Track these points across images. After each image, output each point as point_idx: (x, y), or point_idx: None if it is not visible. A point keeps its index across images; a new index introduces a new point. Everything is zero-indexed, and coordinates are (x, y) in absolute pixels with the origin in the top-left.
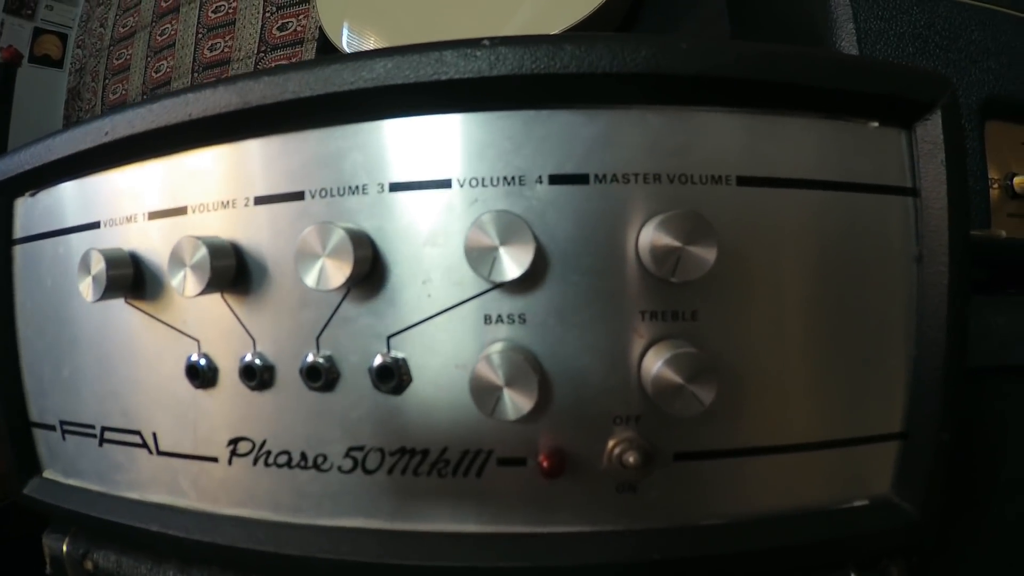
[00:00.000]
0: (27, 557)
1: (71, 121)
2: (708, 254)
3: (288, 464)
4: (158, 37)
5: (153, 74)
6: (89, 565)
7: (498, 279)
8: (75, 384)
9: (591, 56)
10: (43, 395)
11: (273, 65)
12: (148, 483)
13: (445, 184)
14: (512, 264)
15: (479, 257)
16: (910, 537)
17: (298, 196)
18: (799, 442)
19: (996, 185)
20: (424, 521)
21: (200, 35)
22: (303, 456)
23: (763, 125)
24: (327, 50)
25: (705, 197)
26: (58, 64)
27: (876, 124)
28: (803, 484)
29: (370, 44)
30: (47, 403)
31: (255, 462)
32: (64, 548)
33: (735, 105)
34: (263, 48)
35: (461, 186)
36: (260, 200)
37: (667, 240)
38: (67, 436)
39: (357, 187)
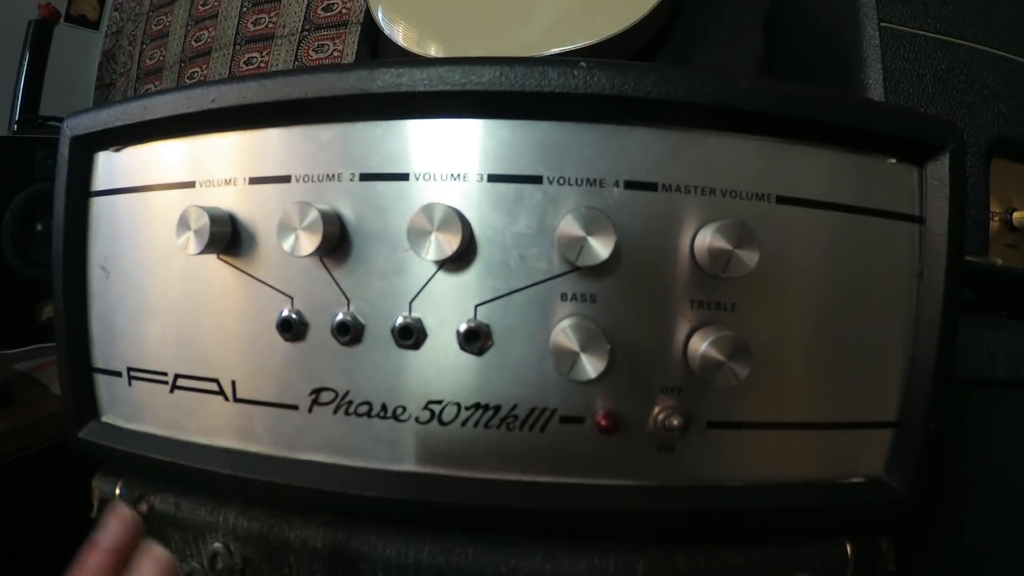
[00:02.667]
0: (65, 502)
1: (104, 83)
2: (752, 257)
3: (368, 414)
4: (200, 7)
5: (193, 43)
6: (144, 508)
7: (584, 263)
8: (149, 333)
9: (670, 85)
10: (111, 342)
11: (317, 45)
12: (219, 428)
13: (536, 180)
14: (599, 249)
15: (569, 243)
16: (898, 513)
17: (403, 177)
18: (809, 421)
19: (996, 217)
20: (489, 470)
21: (245, 8)
22: (383, 407)
23: (800, 154)
24: (371, 34)
25: (749, 211)
26: (94, 25)
27: (894, 160)
28: (810, 458)
29: (400, 31)
30: (114, 350)
31: (335, 411)
32: (117, 491)
33: (780, 136)
34: (307, 27)
35: (550, 183)
36: (366, 177)
37: (721, 243)
38: (133, 382)
39: (459, 175)
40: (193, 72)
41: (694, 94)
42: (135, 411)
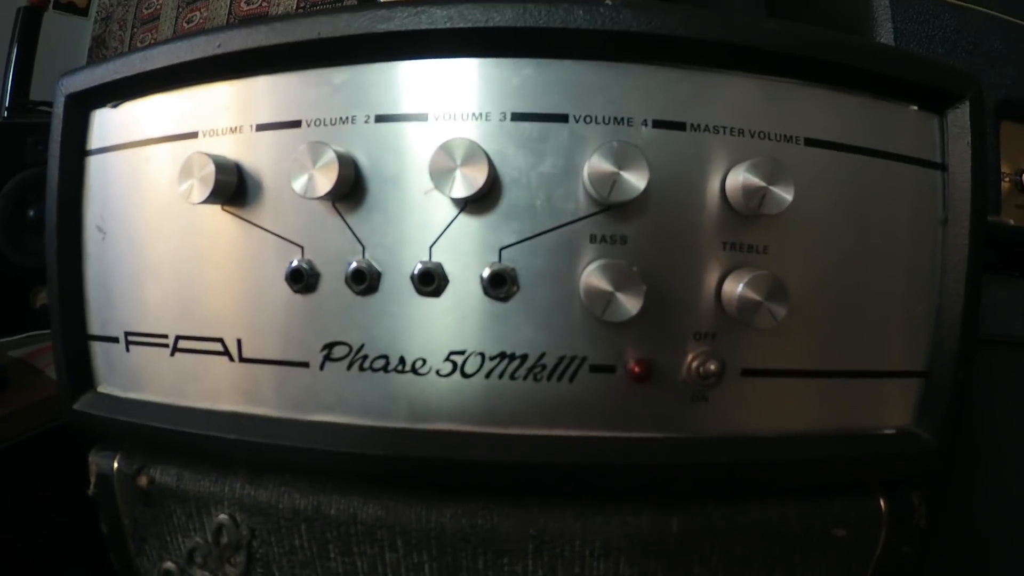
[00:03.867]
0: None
1: None
2: (787, 194)
3: (385, 368)
4: None
5: (185, 24)
6: (144, 481)
7: (617, 199)
8: (149, 294)
9: (697, 25)
10: (108, 307)
11: None
12: (224, 392)
13: (563, 119)
14: (632, 183)
15: (600, 180)
16: (928, 464)
17: (422, 118)
18: (842, 368)
19: (1007, 179)
20: (515, 426)
21: None
22: (401, 360)
23: (829, 98)
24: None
25: (778, 152)
26: (83, 12)
27: (916, 107)
28: (842, 408)
29: None
30: (111, 315)
31: (350, 366)
32: (115, 465)
33: (807, 79)
34: (303, 4)
35: (576, 121)
36: (381, 118)
37: (755, 181)
38: (132, 348)
39: (480, 114)
40: None
41: (722, 33)
42: (134, 379)
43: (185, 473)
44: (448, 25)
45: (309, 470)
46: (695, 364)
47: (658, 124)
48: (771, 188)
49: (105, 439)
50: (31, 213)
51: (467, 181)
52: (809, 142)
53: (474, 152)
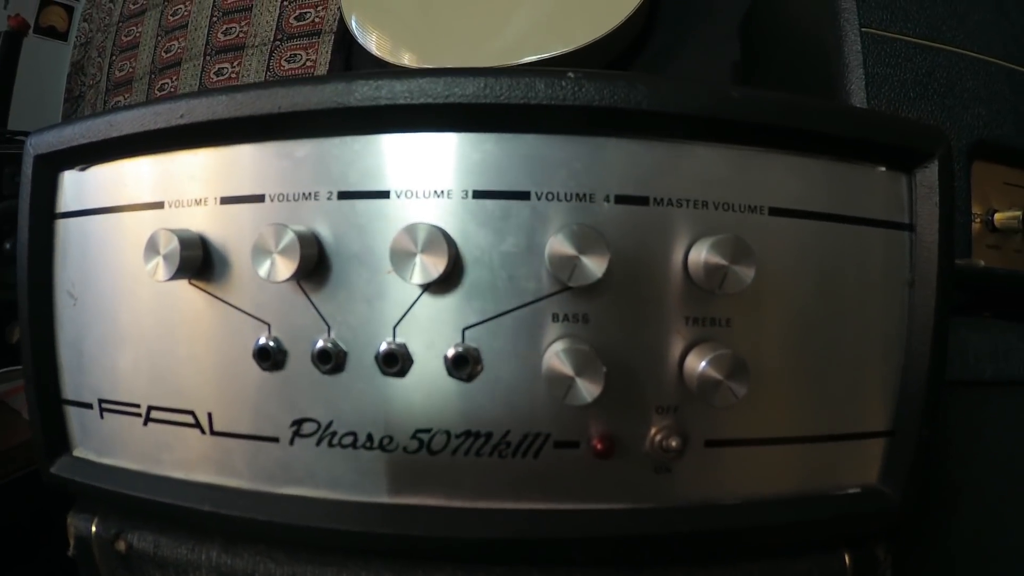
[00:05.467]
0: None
1: (73, 95)
2: (749, 273)
3: (353, 445)
4: (170, 16)
5: (163, 54)
6: (122, 546)
7: (578, 283)
8: (120, 362)
9: (661, 97)
10: (81, 372)
11: (289, 55)
12: (196, 463)
13: (524, 196)
14: (592, 268)
15: (560, 263)
16: (893, 520)
17: (384, 195)
18: (806, 434)
19: (978, 219)
20: (481, 499)
21: (215, 18)
22: (369, 437)
23: (792, 165)
24: (345, 42)
25: (742, 223)
26: (63, 37)
27: (883, 168)
28: (806, 471)
29: (373, 39)
30: (85, 380)
31: (318, 443)
32: (93, 529)
33: (773, 146)
34: (279, 36)
35: (538, 199)
36: (344, 195)
37: (717, 259)
38: (106, 415)
39: (442, 191)
40: (163, 83)
41: (685, 105)
42: (108, 445)
43: (162, 539)
44: (407, 101)
45: (275, 543)
46: (658, 438)
47: (620, 199)
48: (733, 267)
49: (83, 501)
50: (7, 246)
51: (426, 268)
52: (774, 211)
53: (435, 239)
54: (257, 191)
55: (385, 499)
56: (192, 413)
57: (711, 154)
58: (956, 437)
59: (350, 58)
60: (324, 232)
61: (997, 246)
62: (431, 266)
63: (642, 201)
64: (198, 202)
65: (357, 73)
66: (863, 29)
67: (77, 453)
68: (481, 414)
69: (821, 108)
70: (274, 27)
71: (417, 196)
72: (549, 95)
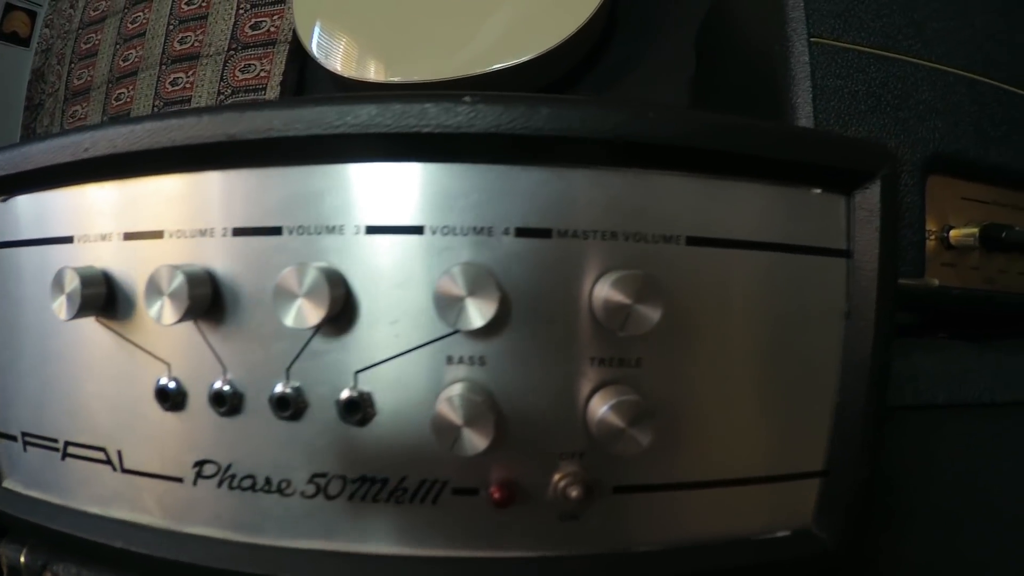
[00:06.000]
0: None
1: (33, 103)
2: (654, 313)
3: (252, 488)
4: (129, 24)
5: (121, 63)
6: None
7: (463, 327)
8: (40, 397)
9: (564, 120)
10: (6, 405)
11: (243, 64)
12: (111, 499)
13: (418, 230)
14: (476, 315)
15: (447, 305)
16: (826, 565)
17: (276, 231)
18: (728, 478)
19: (933, 236)
20: (381, 545)
21: (171, 27)
22: (267, 480)
23: (713, 189)
24: (299, 54)
25: (657, 255)
26: (25, 43)
27: (819, 191)
28: (730, 515)
29: (344, 48)
30: (9, 413)
31: (220, 484)
32: (22, 559)
33: (690, 170)
34: (234, 46)
35: (433, 233)
36: (238, 232)
37: (619, 297)
38: (29, 448)
39: (334, 227)
40: (120, 93)
41: (591, 128)
42: (33, 477)
43: (84, 573)
44: (297, 132)
45: None
46: (561, 484)
47: (521, 232)
48: (636, 307)
49: (14, 532)
50: None
51: (303, 314)
52: (692, 241)
53: (317, 283)
54: (157, 227)
55: (287, 542)
56: (104, 450)
57: (622, 181)
58: (909, 463)
59: (304, 69)
60: (220, 270)
61: (952, 264)
62: (310, 312)
63: (544, 234)
64: (104, 237)
65: (246, 103)
66: (812, 39)
67: (7, 484)
68: (377, 460)
69: (742, 127)
70: (229, 36)
71: (309, 232)
72: (442, 122)
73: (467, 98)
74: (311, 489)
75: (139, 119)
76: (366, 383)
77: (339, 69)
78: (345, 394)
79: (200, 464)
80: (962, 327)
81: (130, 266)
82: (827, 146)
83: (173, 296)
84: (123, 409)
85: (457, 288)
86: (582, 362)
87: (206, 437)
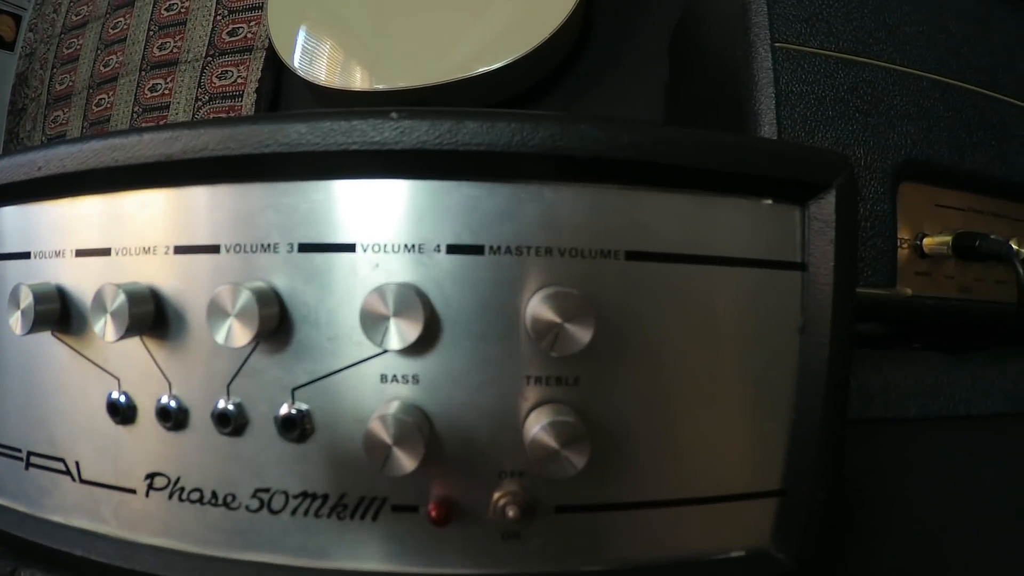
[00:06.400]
0: None
1: (16, 108)
2: (585, 333)
3: (200, 500)
4: (110, 30)
5: (102, 68)
6: None
7: (387, 347)
8: (3, 407)
9: (492, 134)
10: None
11: (220, 71)
12: (72, 508)
13: (350, 248)
14: (399, 335)
15: (373, 324)
16: None
17: (215, 249)
18: (678, 497)
19: (906, 245)
20: (325, 559)
21: (151, 32)
22: (214, 494)
23: (656, 202)
24: (275, 61)
25: (594, 271)
26: (9, 47)
27: (770, 202)
28: (682, 536)
29: (318, 55)
30: None
31: (170, 496)
32: None
33: (629, 183)
34: (212, 52)
35: (364, 251)
36: (180, 249)
37: (549, 316)
38: None
39: (269, 245)
40: (100, 99)
41: (521, 143)
42: (1, 485)
43: None
44: (219, 153)
45: None
46: (501, 504)
47: (453, 249)
48: (566, 325)
49: None
50: None
51: (232, 334)
52: (631, 255)
53: (248, 303)
54: (104, 244)
55: (234, 554)
56: (63, 461)
57: (557, 195)
58: (883, 477)
59: (280, 76)
60: (163, 287)
61: (927, 272)
62: (239, 332)
63: (477, 250)
64: (57, 254)
65: (183, 123)
66: (776, 44)
67: None
68: (316, 475)
69: (682, 139)
70: (207, 42)
71: (245, 250)
72: (369, 139)
73: (393, 114)
74: (255, 504)
75: (86, 138)
76: (304, 400)
77: (314, 77)
78: (283, 410)
79: (151, 477)
80: (938, 338)
81: (82, 283)
82: (778, 156)
83: (115, 314)
84: (80, 422)
85: (384, 307)
86: (518, 380)
87: (156, 451)
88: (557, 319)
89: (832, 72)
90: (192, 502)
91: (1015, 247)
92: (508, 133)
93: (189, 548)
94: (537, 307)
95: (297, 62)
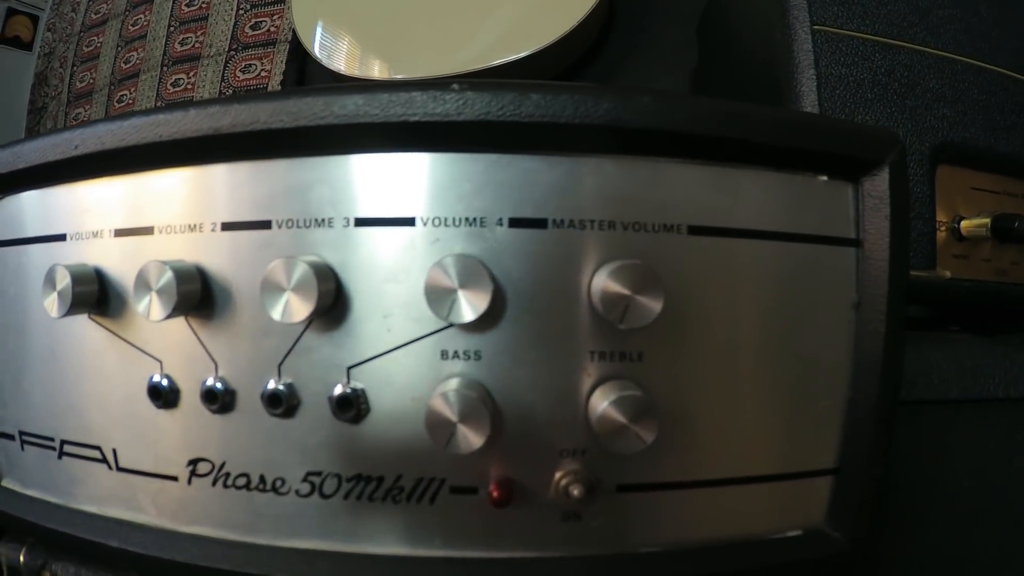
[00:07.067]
0: None
1: (36, 107)
2: (655, 304)
3: (247, 486)
4: (130, 27)
5: (122, 65)
6: None
7: (455, 320)
8: (35, 396)
9: (555, 106)
10: (2, 404)
11: (244, 65)
12: (107, 498)
13: (409, 222)
14: (468, 307)
15: (438, 298)
16: (840, 566)
17: (265, 225)
18: (737, 476)
19: (943, 227)
20: (378, 544)
21: (172, 28)
22: (262, 479)
23: (715, 177)
24: (299, 53)
25: (657, 245)
26: (28, 47)
27: (825, 178)
28: (739, 515)
29: (343, 46)
30: (6, 413)
31: (214, 483)
32: (21, 558)
33: (689, 157)
34: (235, 46)
35: (424, 225)
36: (227, 226)
37: (617, 288)
38: (26, 447)
39: (323, 220)
40: (122, 95)
41: (585, 115)
42: (31, 476)
43: (82, 571)
44: (272, 126)
45: None
46: (563, 483)
47: (515, 223)
48: (636, 297)
49: (13, 531)
50: None
51: (289, 309)
52: (693, 230)
53: (306, 277)
54: (147, 223)
55: (280, 542)
56: (99, 449)
57: (619, 169)
58: (922, 460)
59: (304, 68)
60: (209, 265)
61: (964, 255)
62: (297, 307)
63: (540, 224)
64: (95, 234)
65: (232, 97)
66: (815, 27)
67: (5, 483)
68: (371, 457)
69: (743, 113)
70: (229, 36)
71: (299, 225)
72: (430, 110)
73: (455, 86)
74: (306, 488)
75: (126, 115)
76: (359, 379)
77: (338, 68)
78: (338, 390)
79: (194, 463)
80: (974, 321)
81: (123, 263)
82: (832, 132)
83: (161, 292)
84: (117, 407)
85: (448, 280)
86: (582, 356)
87: (199, 435)
88: (627, 291)
89: (870, 55)
90: (238, 488)
91: None
92: (572, 105)
93: (232, 536)
94: (605, 280)
95: (318, 51)
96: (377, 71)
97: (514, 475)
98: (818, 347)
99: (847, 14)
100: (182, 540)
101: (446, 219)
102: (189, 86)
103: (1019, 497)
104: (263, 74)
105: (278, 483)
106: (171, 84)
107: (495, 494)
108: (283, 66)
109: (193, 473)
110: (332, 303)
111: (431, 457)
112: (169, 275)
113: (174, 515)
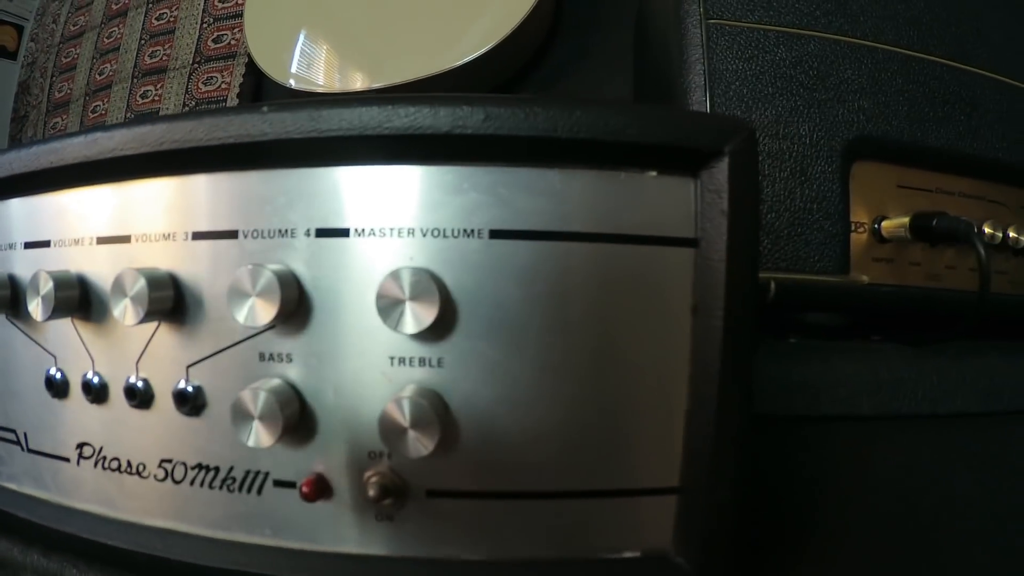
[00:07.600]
0: None
1: (19, 116)
2: (429, 311)
3: (119, 469)
4: (105, 39)
5: (97, 76)
6: None
7: (250, 325)
8: None
9: (348, 118)
10: None
11: (206, 77)
12: (22, 475)
13: (232, 235)
14: (259, 313)
15: (236, 304)
16: None
17: (232, 235)
18: (565, 489)
19: (863, 229)
20: (219, 529)
21: (143, 41)
22: (128, 463)
23: (528, 179)
24: (255, 66)
25: (457, 250)
26: (12, 56)
27: (654, 173)
28: (572, 531)
29: (288, 60)
30: None
31: (95, 465)
32: None
33: (488, 160)
34: (198, 59)
35: (245, 237)
36: (102, 240)
37: (392, 292)
38: None
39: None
40: (95, 106)
41: (375, 124)
42: None
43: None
44: (121, 153)
45: (77, 554)
46: (371, 483)
47: (321, 233)
48: (410, 302)
49: None
50: None
51: (126, 312)
52: (495, 234)
53: (139, 286)
54: (44, 237)
55: (145, 521)
56: (14, 431)
57: (420, 176)
58: (841, 480)
59: (261, 82)
60: (87, 273)
61: (889, 259)
62: (130, 311)
63: (342, 233)
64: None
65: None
66: (709, 21)
67: None
68: (209, 448)
69: (537, 109)
70: (194, 49)
71: (149, 240)
72: (243, 132)
73: (264, 108)
74: (161, 473)
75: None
76: (197, 377)
77: (287, 83)
78: (179, 386)
79: (80, 446)
80: (900, 329)
81: (27, 272)
82: (654, 123)
83: (45, 297)
84: (25, 395)
85: (246, 287)
86: (381, 361)
87: (84, 423)
88: (400, 296)
89: (772, 47)
90: (112, 470)
91: (988, 230)
92: (362, 116)
93: (110, 514)
94: (382, 285)
95: (268, 66)
96: (323, 83)
97: (327, 472)
98: (655, 355)
99: (748, 6)
100: (74, 515)
101: (262, 232)
102: (156, 97)
103: (952, 522)
104: (223, 86)
105: (140, 467)
106: (140, 96)
107: (304, 489)
108: (241, 78)
109: (80, 456)
110: (173, 307)
111: (258, 451)
112: (50, 284)
113: (69, 493)
